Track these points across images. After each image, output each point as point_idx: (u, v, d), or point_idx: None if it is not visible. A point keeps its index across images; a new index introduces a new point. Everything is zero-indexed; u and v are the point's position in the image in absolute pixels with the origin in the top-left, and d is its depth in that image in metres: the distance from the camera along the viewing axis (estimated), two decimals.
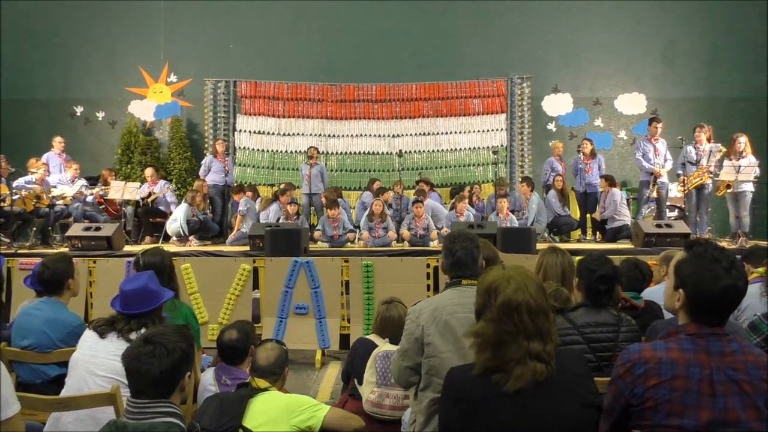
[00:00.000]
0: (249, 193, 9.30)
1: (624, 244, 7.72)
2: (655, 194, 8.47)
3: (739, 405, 1.65)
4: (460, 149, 11.25)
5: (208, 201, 9.21)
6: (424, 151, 11.31)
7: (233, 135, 11.27)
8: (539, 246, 6.32)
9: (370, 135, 11.34)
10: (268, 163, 11.28)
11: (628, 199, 9.40)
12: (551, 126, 11.38)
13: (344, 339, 6.08)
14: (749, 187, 7.63)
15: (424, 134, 11.31)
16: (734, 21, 11.07)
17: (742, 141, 7.65)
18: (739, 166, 7.43)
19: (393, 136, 11.31)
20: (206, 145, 11.08)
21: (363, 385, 3.21)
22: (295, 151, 11.25)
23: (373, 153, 11.33)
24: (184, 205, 8.39)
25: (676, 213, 8.97)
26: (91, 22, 11.43)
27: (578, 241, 9.25)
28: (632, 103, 11.31)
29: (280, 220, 8.31)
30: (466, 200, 8.81)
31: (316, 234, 7.99)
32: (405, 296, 3.93)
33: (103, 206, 9.05)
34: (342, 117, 11.34)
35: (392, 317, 3.44)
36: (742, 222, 7.60)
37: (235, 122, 11.33)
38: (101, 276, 6.19)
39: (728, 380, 1.67)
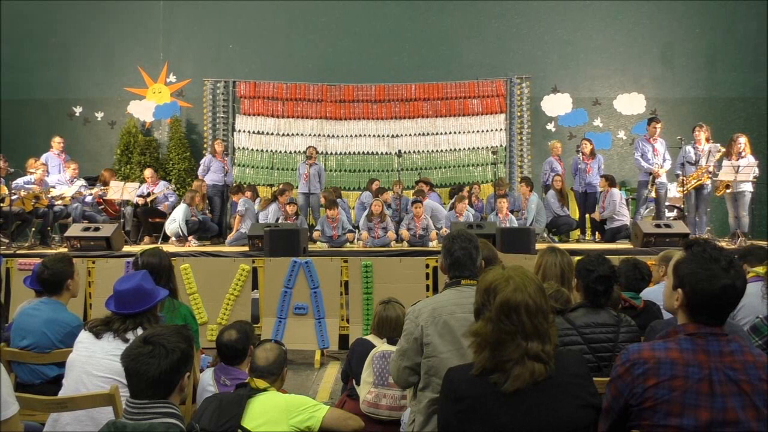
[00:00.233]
0: (248, 194, 9.27)
1: (623, 244, 7.73)
2: (653, 194, 8.47)
3: (738, 405, 1.64)
4: (460, 149, 11.26)
5: (207, 201, 9.20)
6: (423, 151, 11.32)
7: (232, 135, 11.27)
8: (538, 246, 6.32)
9: (369, 135, 11.35)
10: (267, 164, 11.28)
11: (627, 199, 9.40)
12: (550, 126, 11.39)
13: (343, 339, 6.09)
14: (748, 187, 7.63)
15: (424, 134, 11.32)
16: (733, 21, 11.09)
17: (741, 141, 7.65)
18: (738, 166, 7.43)
19: (392, 136, 11.31)
20: (205, 145, 11.08)
21: (360, 386, 3.21)
22: (294, 152, 11.26)
23: (373, 153, 11.34)
24: (183, 206, 8.37)
25: (675, 213, 8.97)
26: (90, 23, 11.44)
27: (577, 241, 9.26)
28: (631, 103, 11.32)
29: (279, 221, 8.30)
30: (466, 200, 8.80)
31: (315, 234, 7.98)
32: (404, 296, 3.94)
33: (102, 206, 9.05)
34: (341, 117, 11.35)
35: (390, 317, 3.44)
36: (741, 222, 7.61)
37: (234, 122, 11.33)
38: (100, 276, 6.18)
39: (727, 380, 1.66)
